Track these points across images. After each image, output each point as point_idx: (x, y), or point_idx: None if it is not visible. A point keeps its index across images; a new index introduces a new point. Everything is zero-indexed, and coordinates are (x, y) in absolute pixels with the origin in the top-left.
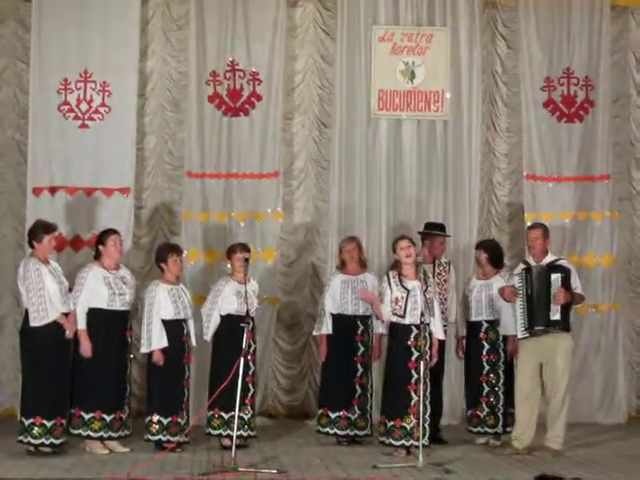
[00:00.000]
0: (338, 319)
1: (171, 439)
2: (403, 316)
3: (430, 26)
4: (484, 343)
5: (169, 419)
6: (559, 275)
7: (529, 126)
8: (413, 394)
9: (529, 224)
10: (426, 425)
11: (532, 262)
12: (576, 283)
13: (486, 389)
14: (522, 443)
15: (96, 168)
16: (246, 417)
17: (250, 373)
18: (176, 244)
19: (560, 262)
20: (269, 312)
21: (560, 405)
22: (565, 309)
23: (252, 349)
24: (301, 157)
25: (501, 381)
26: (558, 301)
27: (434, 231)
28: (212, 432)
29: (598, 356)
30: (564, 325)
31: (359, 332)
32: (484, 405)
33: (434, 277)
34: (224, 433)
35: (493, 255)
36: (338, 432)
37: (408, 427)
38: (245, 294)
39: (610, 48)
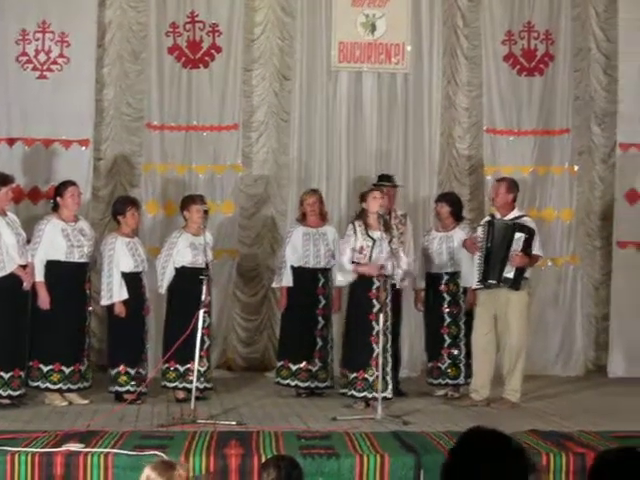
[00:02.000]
0: (299, 272)
1: (135, 390)
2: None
3: None
4: (445, 295)
5: (134, 370)
6: (523, 235)
7: (489, 80)
8: (375, 346)
9: (496, 178)
10: (388, 378)
11: (498, 216)
12: (536, 244)
13: (447, 341)
14: (480, 395)
15: (54, 119)
16: (202, 369)
17: (206, 325)
18: (134, 197)
19: (524, 219)
20: (228, 264)
21: (515, 358)
22: (519, 269)
23: (208, 301)
24: (261, 109)
25: (462, 333)
26: (514, 263)
27: (385, 182)
28: (168, 385)
29: (556, 309)
30: (514, 284)
31: (320, 284)
32: (445, 357)
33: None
34: (180, 385)
35: (454, 208)
36: (299, 384)
37: (370, 379)
38: (204, 247)
39: (571, 2)
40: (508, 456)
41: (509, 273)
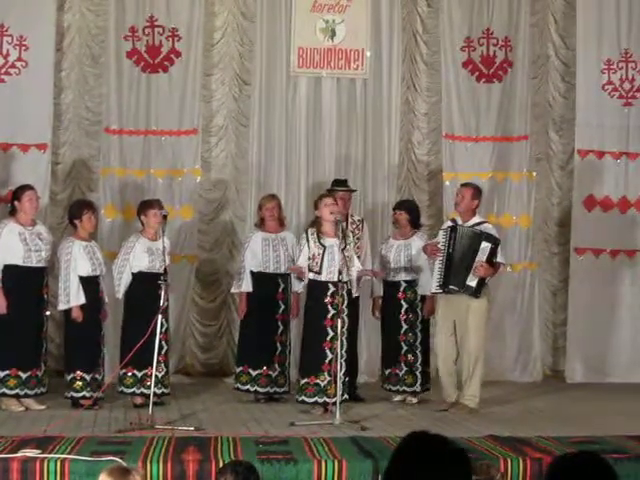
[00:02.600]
0: (259, 277)
1: (92, 395)
2: (319, 272)
3: None
4: (402, 302)
5: (90, 375)
6: (489, 245)
7: (448, 86)
8: (328, 351)
9: (462, 183)
10: (340, 383)
11: (459, 221)
12: (499, 252)
13: (404, 348)
14: (448, 399)
15: (12, 124)
16: (160, 375)
17: (164, 331)
18: (90, 200)
19: (486, 226)
20: (187, 270)
21: (473, 364)
22: (482, 279)
23: (166, 306)
24: (220, 114)
25: (419, 340)
26: (479, 273)
27: (338, 187)
28: (125, 390)
29: (514, 315)
30: (476, 293)
31: (280, 290)
32: (402, 364)
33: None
34: (137, 391)
35: (412, 216)
36: (258, 389)
37: (322, 384)
38: (163, 251)
39: (530, 9)
40: (448, 460)
41: (472, 282)
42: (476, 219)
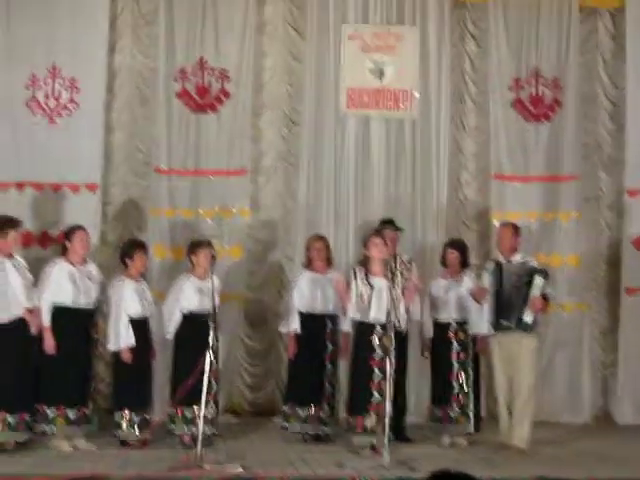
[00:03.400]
0: (307, 317)
1: (139, 436)
2: (367, 313)
3: (399, 25)
4: (453, 342)
5: (139, 415)
6: (543, 280)
7: (497, 126)
8: (375, 392)
9: (501, 222)
10: (388, 423)
11: (501, 259)
12: (549, 287)
13: (455, 388)
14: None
15: (63, 164)
16: (209, 415)
17: (213, 370)
18: (141, 240)
19: (530, 262)
20: (235, 310)
21: (525, 404)
22: (536, 313)
23: (215, 347)
24: (269, 154)
25: (470, 380)
26: (535, 307)
27: (387, 225)
28: (174, 429)
29: (564, 356)
30: (531, 329)
31: (328, 330)
32: (454, 405)
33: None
34: (186, 430)
35: (462, 254)
36: (306, 429)
37: (369, 425)
38: (212, 291)
39: (578, 49)
40: None
41: (528, 317)
42: (519, 256)
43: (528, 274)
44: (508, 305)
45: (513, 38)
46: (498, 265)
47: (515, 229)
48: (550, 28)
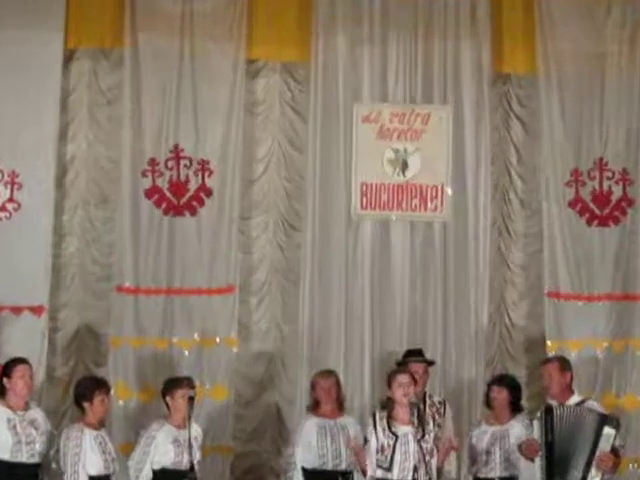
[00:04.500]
0: (314, 476)
1: None
2: (389, 469)
3: (427, 104)
4: None
5: None
6: (614, 431)
7: (551, 231)
8: None
9: (543, 358)
10: None
11: (554, 403)
12: (621, 439)
13: None
14: None
15: (2, 281)
16: None
17: None
18: (103, 378)
19: (591, 404)
20: (219, 465)
21: None
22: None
23: None
24: (262, 268)
25: None
26: (604, 466)
27: (413, 358)
28: None
29: None
30: None
31: None
32: None
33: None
34: None
35: (513, 395)
36: None
37: None
38: (189, 442)
39: None
40: None
41: (596, 479)
42: (575, 398)
43: (592, 423)
44: (563, 462)
45: (571, 120)
46: (548, 411)
47: (562, 365)
48: (618, 106)
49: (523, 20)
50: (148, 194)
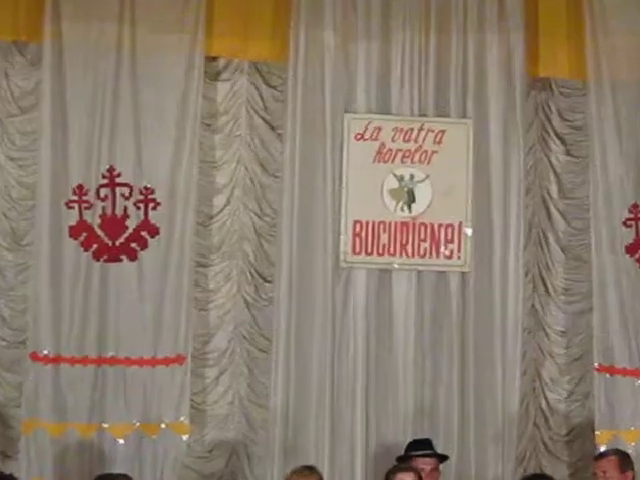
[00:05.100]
0: None
1: None
2: None
3: (441, 117)
4: None
5: None
6: None
7: (603, 284)
8: None
9: (599, 452)
10: None
11: None
12: None
13: None
14: None
15: None
16: None
17: None
18: (10, 474)
19: None
20: None
21: None
22: None
23: None
24: (223, 331)
25: None
26: None
27: (419, 451)
28: None
29: None
30: None
31: None
32: None
33: None
34: None
35: None
36: None
37: None
38: None
39: None
40: None
41: None
42: None
43: None
44: None
45: (629, 139)
46: None
47: (622, 461)
48: None
49: (566, 10)
50: (73, 232)
